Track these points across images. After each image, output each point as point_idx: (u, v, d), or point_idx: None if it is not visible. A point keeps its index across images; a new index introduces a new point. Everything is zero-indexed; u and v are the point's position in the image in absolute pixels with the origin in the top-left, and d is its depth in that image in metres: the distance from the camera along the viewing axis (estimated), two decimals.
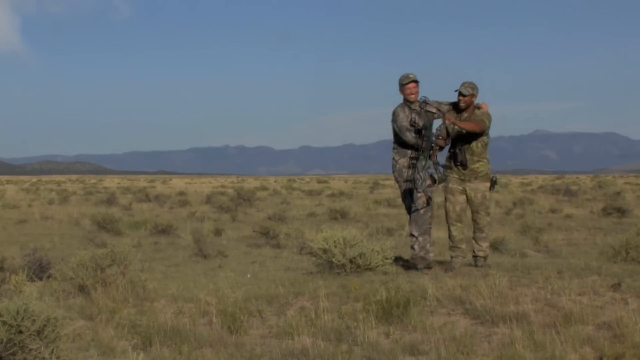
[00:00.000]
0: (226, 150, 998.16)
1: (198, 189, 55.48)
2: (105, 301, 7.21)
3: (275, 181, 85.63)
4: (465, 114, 8.61)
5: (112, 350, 5.93)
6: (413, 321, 6.40)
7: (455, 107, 8.68)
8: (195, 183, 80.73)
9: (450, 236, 8.76)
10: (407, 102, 8.75)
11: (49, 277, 9.65)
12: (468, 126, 8.44)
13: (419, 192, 8.50)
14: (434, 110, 8.52)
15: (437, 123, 8.60)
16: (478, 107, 8.66)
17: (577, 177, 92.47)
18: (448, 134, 8.60)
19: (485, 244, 8.73)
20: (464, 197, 8.68)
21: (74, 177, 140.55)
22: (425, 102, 8.61)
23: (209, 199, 34.18)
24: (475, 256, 8.75)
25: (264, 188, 51.43)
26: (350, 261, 8.26)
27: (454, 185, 8.67)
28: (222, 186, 62.09)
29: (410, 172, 8.61)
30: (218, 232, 18.63)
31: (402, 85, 8.74)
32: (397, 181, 8.85)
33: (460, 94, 8.54)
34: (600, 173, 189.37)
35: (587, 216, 24.31)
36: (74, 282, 7.82)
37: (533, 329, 5.98)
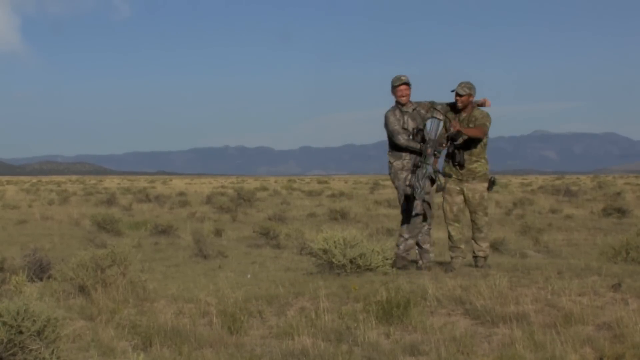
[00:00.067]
0: (226, 151, 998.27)
1: (198, 189, 55.48)
2: (105, 301, 7.21)
3: (276, 181, 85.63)
4: (463, 114, 8.62)
5: (112, 350, 5.93)
6: (413, 321, 6.40)
7: (453, 107, 8.69)
8: (196, 183, 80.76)
9: (449, 236, 8.78)
10: (398, 105, 8.78)
11: (49, 277, 9.65)
12: (473, 133, 8.45)
13: (417, 200, 8.54)
14: (440, 117, 8.53)
15: (429, 124, 8.65)
16: (480, 104, 8.66)
17: (577, 178, 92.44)
18: (446, 131, 8.61)
19: (484, 244, 8.73)
20: (462, 197, 8.68)
21: (74, 177, 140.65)
22: (433, 108, 8.64)
23: (209, 200, 34.18)
24: (475, 256, 8.75)
25: (264, 188, 51.43)
26: (351, 261, 8.26)
27: (451, 185, 8.67)
28: (222, 186, 62.10)
29: (410, 176, 8.63)
30: (218, 233, 18.63)
31: (394, 87, 8.76)
32: (394, 183, 8.89)
33: (457, 94, 8.55)
34: (600, 173, 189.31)
35: (587, 216, 24.29)
36: (74, 283, 7.82)
37: (533, 329, 5.98)
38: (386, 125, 8.76)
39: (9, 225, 21.01)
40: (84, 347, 6.03)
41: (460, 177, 8.64)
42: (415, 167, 8.53)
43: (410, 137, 8.60)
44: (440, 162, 8.78)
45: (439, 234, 13.01)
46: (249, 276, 9.90)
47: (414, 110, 8.73)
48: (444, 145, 8.54)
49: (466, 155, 8.58)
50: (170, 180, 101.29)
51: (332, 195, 39.62)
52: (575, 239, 17.87)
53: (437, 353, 5.64)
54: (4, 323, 5.13)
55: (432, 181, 8.58)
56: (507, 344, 5.82)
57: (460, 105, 8.58)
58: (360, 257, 8.25)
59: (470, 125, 8.53)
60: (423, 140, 8.55)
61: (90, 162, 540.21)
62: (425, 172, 8.42)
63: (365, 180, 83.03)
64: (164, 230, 18.35)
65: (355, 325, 6.35)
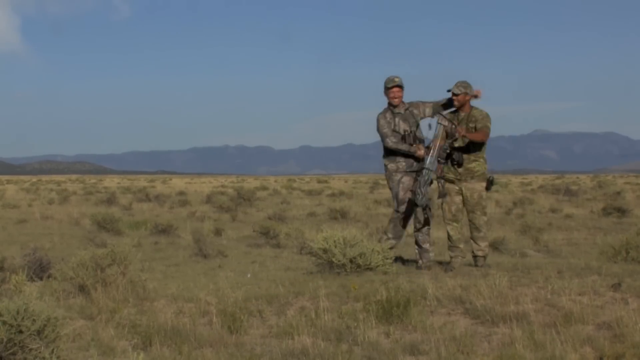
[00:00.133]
0: (226, 150, 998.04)
1: (198, 188, 55.47)
2: (105, 301, 7.21)
3: (275, 181, 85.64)
4: (462, 114, 8.63)
5: (112, 350, 5.93)
6: (413, 321, 6.40)
7: (449, 106, 8.74)
8: (195, 183, 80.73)
9: (448, 236, 8.78)
10: (390, 106, 8.80)
11: (49, 276, 9.64)
12: (478, 138, 8.48)
13: (418, 207, 8.56)
14: (445, 123, 8.53)
15: (423, 123, 8.71)
16: (475, 96, 8.66)
17: (577, 177, 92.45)
18: (447, 135, 8.61)
19: (483, 244, 8.73)
20: (460, 197, 8.69)
21: (74, 177, 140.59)
22: (439, 113, 8.68)
23: (209, 199, 34.17)
24: (474, 256, 8.75)
25: (264, 188, 51.43)
26: (351, 261, 8.26)
27: (449, 185, 8.68)
28: (222, 186, 62.09)
29: (404, 178, 8.65)
30: (218, 232, 18.62)
31: (387, 89, 8.79)
32: (388, 184, 8.93)
33: (453, 93, 8.57)
34: (600, 173, 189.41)
35: (587, 216, 24.29)
36: (74, 282, 7.81)
37: (533, 329, 5.98)
38: (377, 128, 8.82)
39: (9, 225, 21.00)
40: (83, 346, 6.03)
41: (458, 177, 8.65)
42: (418, 173, 8.55)
43: (402, 139, 8.63)
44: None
45: (438, 233, 13.01)
46: (249, 276, 9.89)
47: (406, 110, 8.77)
48: (447, 151, 8.55)
49: (465, 155, 8.60)
50: (170, 179, 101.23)
51: (332, 195, 39.60)
52: (575, 238, 17.86)
53: (437, 352, 5.65)
54: (4, 322, 5.13)
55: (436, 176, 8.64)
56: (507, 344, 5.82)
57: (457, 104, 8.60)
58: (360, 257, 8.25)
59: (470, 125, 8.55)
60: (415, 141, 8.60)
61: (90, 162, 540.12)
62: (427, 178, 8.44)
63: (365, 179, 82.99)
64: (164, 230, 18.34)
65: (355, 324, 6.35)
